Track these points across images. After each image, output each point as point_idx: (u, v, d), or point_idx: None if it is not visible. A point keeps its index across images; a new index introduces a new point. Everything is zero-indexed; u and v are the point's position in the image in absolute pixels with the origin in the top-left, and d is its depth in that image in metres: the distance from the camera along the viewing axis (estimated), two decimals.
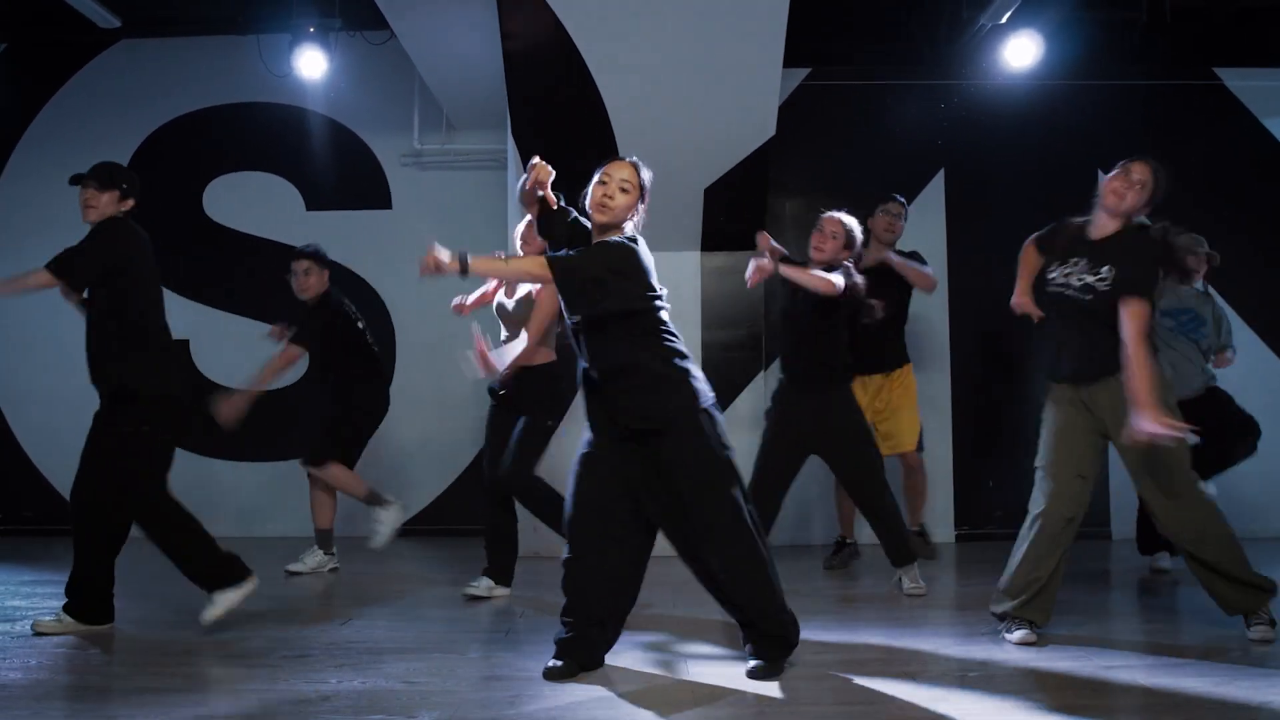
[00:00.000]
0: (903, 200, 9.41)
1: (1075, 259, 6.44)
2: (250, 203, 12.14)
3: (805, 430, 7.84)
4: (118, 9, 11.14)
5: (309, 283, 9.42)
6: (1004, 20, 10.19)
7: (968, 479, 10.38)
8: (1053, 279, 6.50)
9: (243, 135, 12.25)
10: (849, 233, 7.88)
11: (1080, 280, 6.37)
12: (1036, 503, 6.40)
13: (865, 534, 8.85)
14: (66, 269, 6.70)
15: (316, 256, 9.49)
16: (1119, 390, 6.15)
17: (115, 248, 6.85)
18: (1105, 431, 6.35)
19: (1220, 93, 11.74)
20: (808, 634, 6.03)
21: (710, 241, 10.24)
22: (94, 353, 6.83)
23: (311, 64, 11.19)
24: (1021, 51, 10.56)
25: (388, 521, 9.14)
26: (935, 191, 11.44)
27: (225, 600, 6.77)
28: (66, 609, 6.70)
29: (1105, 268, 6.31)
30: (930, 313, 10.84)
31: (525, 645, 6.49)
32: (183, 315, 11.64)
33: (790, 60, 9.24)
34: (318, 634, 6.85)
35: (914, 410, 9.27)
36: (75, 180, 6.85)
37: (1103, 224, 6.52)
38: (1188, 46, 11.49)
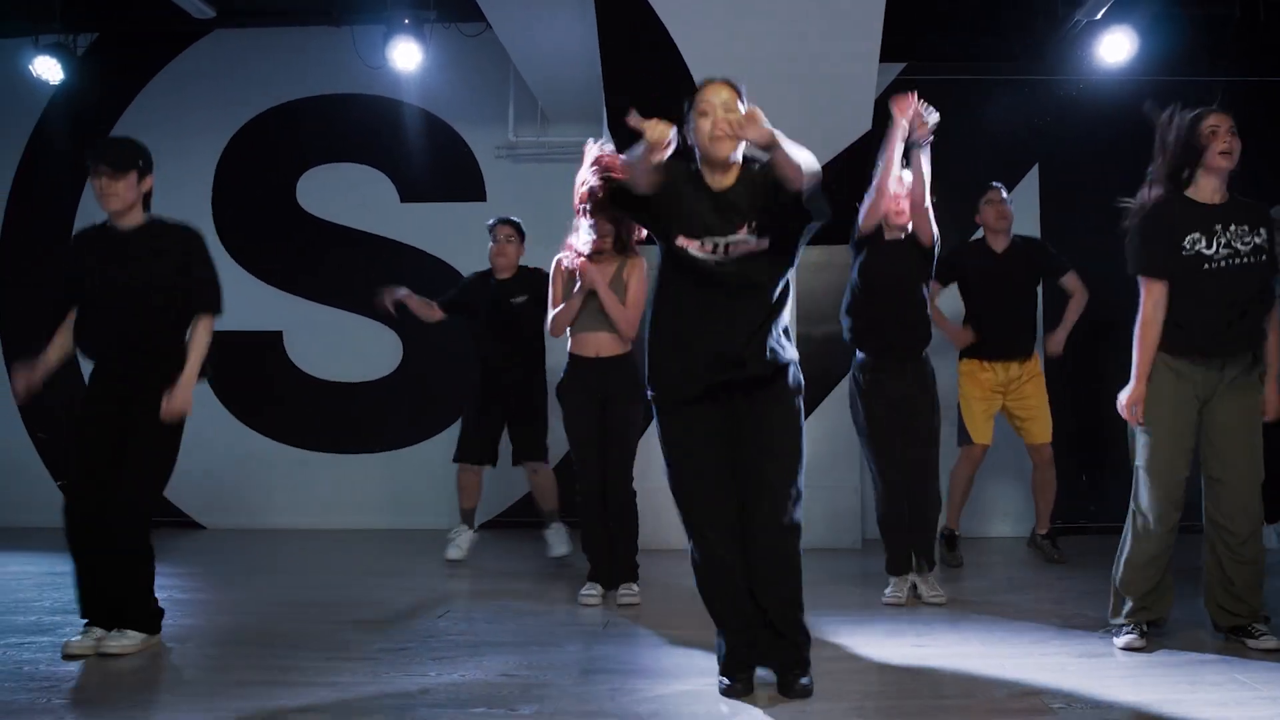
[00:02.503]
0: (999, 185, 9.35)
1: (1220, 224, 5.99)
2: (344, 194, 12.19)
3: (896, 402, 7.62)
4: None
5: (510, 252, 9.39)
6: (1099, 16, 10.12)
7: (1063, 473, 10.27)
8: (1210, 253, 5.94)
9: (336, 127, 12.31)
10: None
11: (1248, 244, 5.97)
12: (1146, 506, 6.10)
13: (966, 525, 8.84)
14: (218, 302, 6.62)
15: (517, 225, 9.47)
16: (1248, 365, 6.04)
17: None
18: (1202, 410, 6.08)
19: None
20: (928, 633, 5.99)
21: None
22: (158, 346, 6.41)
23: (406, 55, 11.17)
24: (1115, 47, 10.47)
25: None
26: (1030, 187, 11.40)
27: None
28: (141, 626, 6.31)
29: (1259, 230, 6.01)
30: None
31: (623, 639, 6.50)
32: (275, 307, 11.77)
33: (886, 55, 9.20)
34: (415, 627, 6.88)
35: (1045, 402, 9.15)
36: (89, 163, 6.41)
37: (1213, 188, 6.09)
38: None
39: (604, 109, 9.73)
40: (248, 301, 11.88)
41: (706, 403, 5.36)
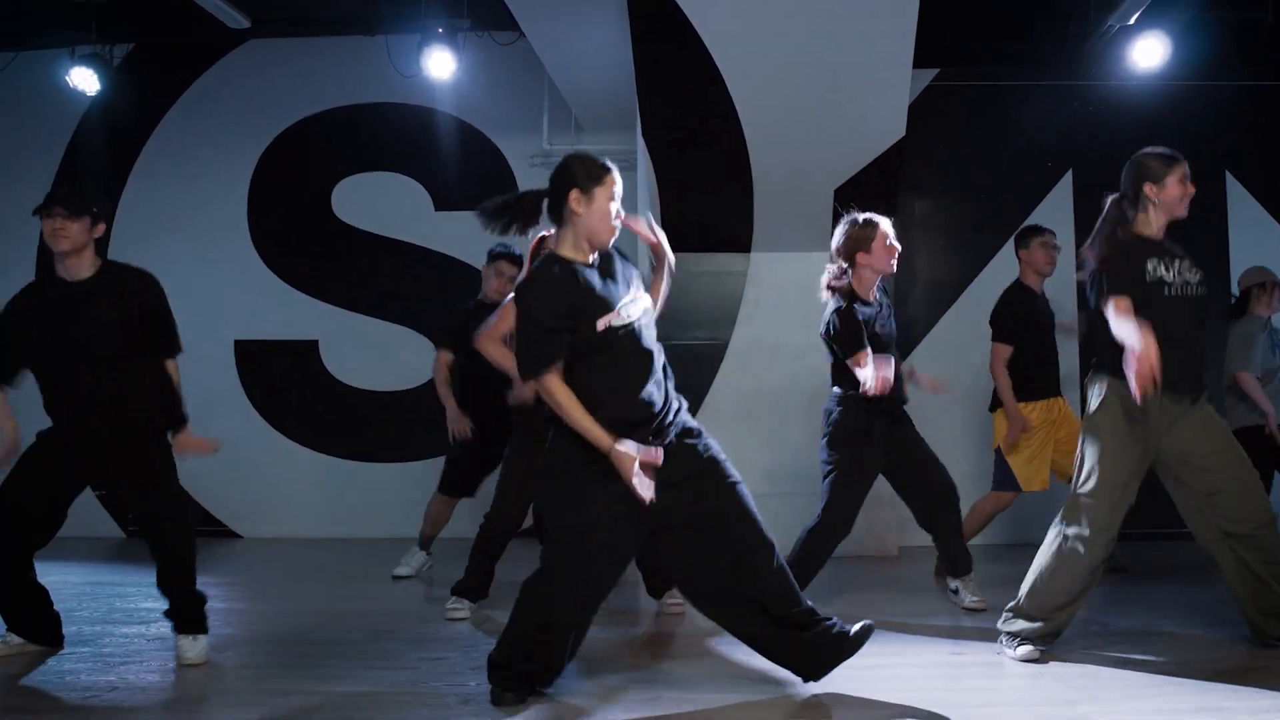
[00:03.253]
0: (1050, 230, 9.09)
1: (1169, 256, 6.11)
2: (379, 203, 12.23)
3: (878, 446, 7.49)
4: (247, 9, 11.24)
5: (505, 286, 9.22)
6: (1132, 21, 10.11)
7: None
8: (1167, 280, 6.04)
9: (371, 135, 12.35)
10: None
11: (1195, 276, 6.12)
12: (1079, 529, 6.01)
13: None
14: (178, 345, 6.58)
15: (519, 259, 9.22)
16: (1203, 419, 6.07)
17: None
18: (1153, 456, 6.07)
19: None
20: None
21: None
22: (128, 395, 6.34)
23: (440, 64, 11.20)
24: (1149, 52, 10.44)
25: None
26: (1064, 192, 11.38)
27: None
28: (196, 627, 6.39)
29: (1196, 269, 6.14)
30: (1059, 315, 10.82)
31: (659, 647, 6.52)
32: (310, 315, 11.83)
33: (918, 61, 9.14)
34: (452, 637, 6.91)
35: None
36: (37, 210, 6.27)
37: (1158, 225, 6.18)
38: None
39: (638, 116, 9.75)
40: (283, 310, 11.95)
41: None
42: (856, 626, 5.43)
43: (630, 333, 5.34)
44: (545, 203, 5.53)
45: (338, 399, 12.06)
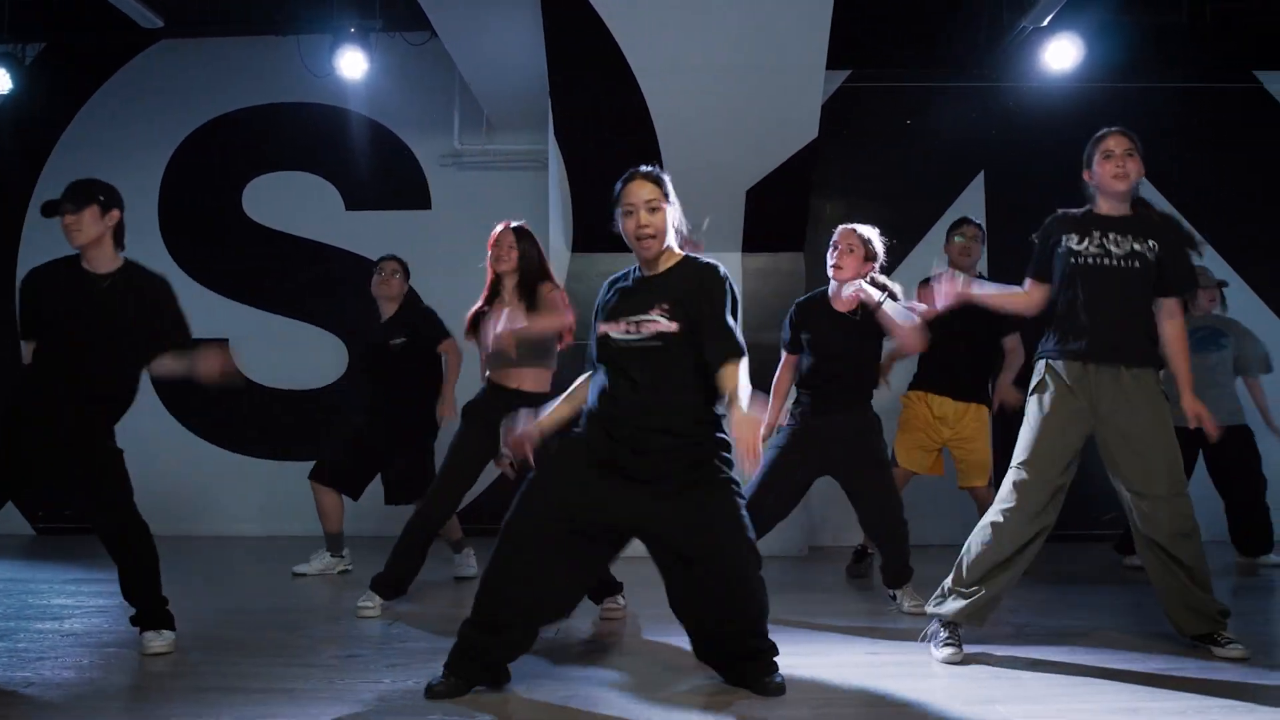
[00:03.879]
0: (978, 223, 9.05)
1: (1099, 230, 6.16)
2: (289, 202, 12.23)
3: (827, 450, 7.61)
4: (159, 9, 11.17)
5: (395, 285, 9.30)
6: (1045, 23, 10.18)
7: None
8: (1081, 249, 6.12)
9: (282, 135, 12.35)
10: (867, 244, 7.49)
11: (1125, 248, 6.10)
12: (1007, 502, 6.06)
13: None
14: (189, 340, 6.67)
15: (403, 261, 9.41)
16: (1132, 384, 6.03)
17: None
18: (1091, 427, 6.10)
19: (1261, 96, 11.75)
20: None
21: (752, 243, 10.26)
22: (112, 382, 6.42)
23: (352, 64, 11.21)
24: (1062, 54, 10.55)
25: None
26: (975, 193, 11.49)
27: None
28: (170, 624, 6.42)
29: (1150, 241, 6.12)
30: None
31: (575, 646, 6.50)
32: (222, 314, 11.78)
33: (831, 62, 9.21)
34: (366, 635, 6.84)
35: (988, 446, 9.08)
36: (48, 211, 6.33)
37: (1110, 206, 6.25)
38: (1228, 50, 11.49)
39: (549, 116, 9.74)
40: (194, 309, 11.66)
41: None
42: (776, 679, 5.44)
43: (629, 349, 5.44)
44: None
45: (249, 398, 11.98)
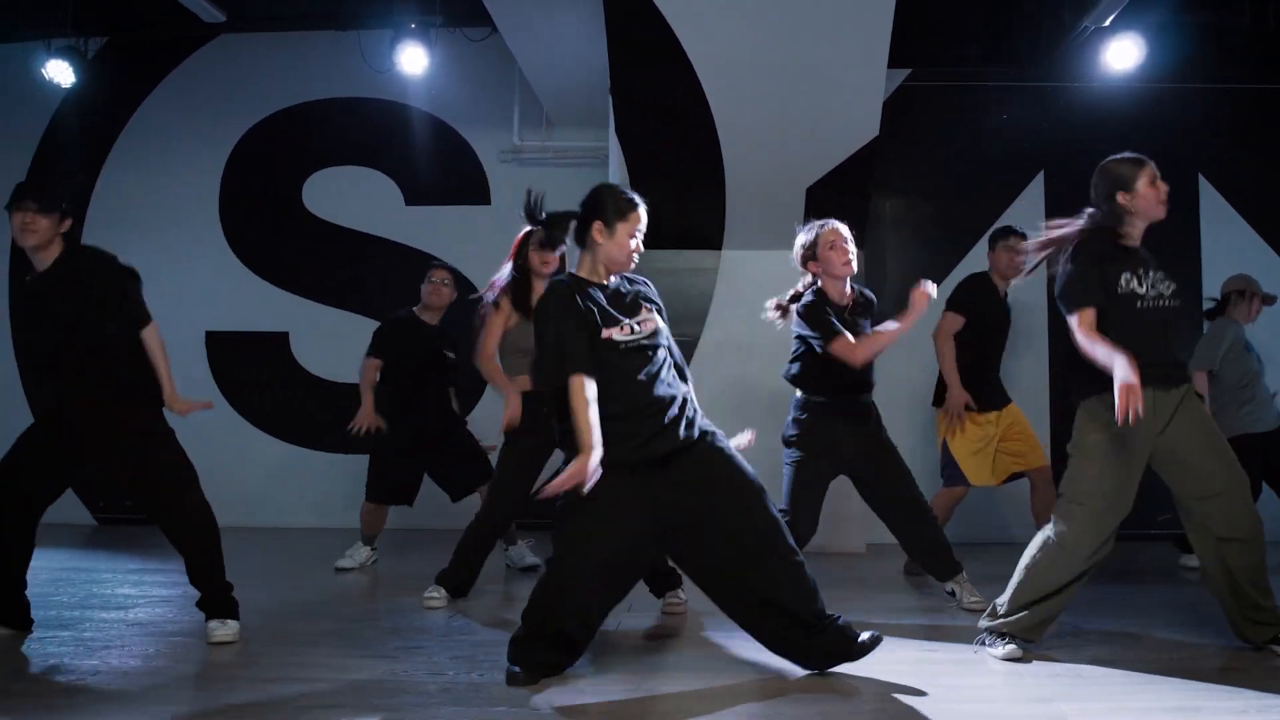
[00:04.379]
0: (1023, 233, 8.99)
1: (1142, 268, 6.05)
2: (349, 197, 12.29)
3: (843, 450, 7.55)
4: (223, 4, 11.23)
5: (445, 295, 9.43)
6: (1107, 23, 10.13)
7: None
8: (1142, 293, 5.99)
9: (343, 130, 12.42)
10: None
11: (1169, 288, 6.07)
12: (1063, 528, 6.01)
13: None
14: (147, 311, 6.54)
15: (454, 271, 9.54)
16: (1177, 401, 6.00)
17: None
18: (1149, 453, 6.02)
19: None
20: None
21: None
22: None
23: (412, 60, 11.30)
24: (1123, 54, 10.49)
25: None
26: (1035, 192, 11.42)
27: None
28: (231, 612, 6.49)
29: (1169, 280, 6.10)
30: (1032, 314, 10.86)
31: (637, 640, 6.50)
32: (281, 307, 11.82)
33: (892, 60, 9.18)
34: (429, 626, 6.88)
35: (1032, 432, 9.02)
36: (6, 205, 6.36)
37: (1137, 232, 6.16)
38: None
39: (610, 113, 9.75)
40: (254, 302, 11.98)
41: None
42: (865, 636, 5.57)
43: (634, 349, 5.54)
44: (574, 225, 5.75)
45: (307, 390, 12.08)
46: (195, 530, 6.43)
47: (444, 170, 12.28)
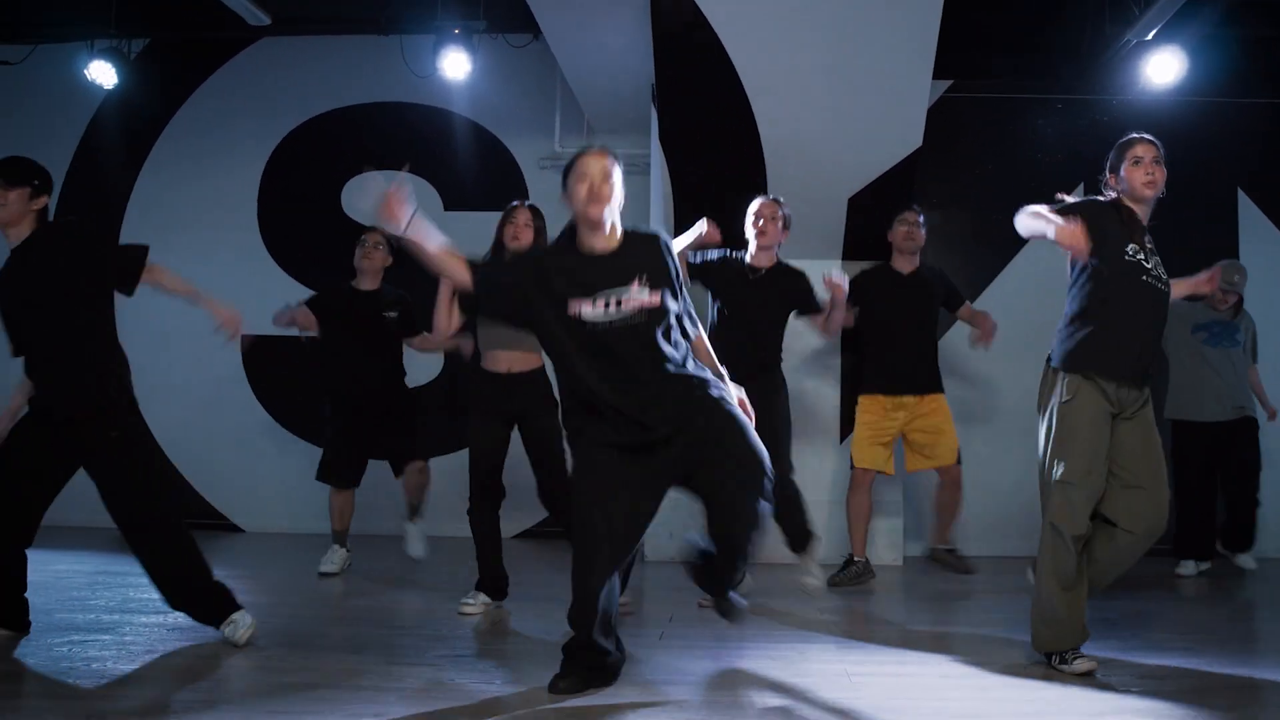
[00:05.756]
0: (917, 209, 9.31)
1: (1146, 247, 6.08)
2: None
3: None
4: (267, 6, 11.27)
5: (377, 259, 9.74)
6: (1149, 37, 10.12)
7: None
8: (1148, 267, 6.02)
9: (383, 134, 12.46)
10: (786, 216, 8.25)
11: (1164, 274, 6.10)
12: (1057, 515, 5.97)
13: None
14: (144, 250, 6.52)
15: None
16: (1145, 426, 6.06)
17: None
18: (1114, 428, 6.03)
19: None
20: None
21: (852, 251, 10.20)
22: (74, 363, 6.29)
23: (455, 65, 11.31)
24: (1164, 68, 10.47)
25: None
26: None
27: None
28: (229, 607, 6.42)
29: (1163, 268, 6.12)
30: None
31: (676, 646, 6.51)
32: None
33: (934, 72, 9.21)
34: (468, 634, 6.93)
35: (952, 428, 9.06)
36: None
37: (1140, 212, 6.19)
38: None
39: (652, 120, 9.76)
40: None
41: None
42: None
43: (610, 329, 5.36)
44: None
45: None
46: (164, 537, 6.34)
47: (483, 176, 12.31)
